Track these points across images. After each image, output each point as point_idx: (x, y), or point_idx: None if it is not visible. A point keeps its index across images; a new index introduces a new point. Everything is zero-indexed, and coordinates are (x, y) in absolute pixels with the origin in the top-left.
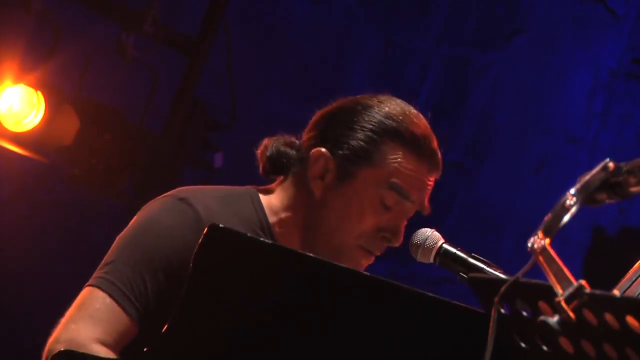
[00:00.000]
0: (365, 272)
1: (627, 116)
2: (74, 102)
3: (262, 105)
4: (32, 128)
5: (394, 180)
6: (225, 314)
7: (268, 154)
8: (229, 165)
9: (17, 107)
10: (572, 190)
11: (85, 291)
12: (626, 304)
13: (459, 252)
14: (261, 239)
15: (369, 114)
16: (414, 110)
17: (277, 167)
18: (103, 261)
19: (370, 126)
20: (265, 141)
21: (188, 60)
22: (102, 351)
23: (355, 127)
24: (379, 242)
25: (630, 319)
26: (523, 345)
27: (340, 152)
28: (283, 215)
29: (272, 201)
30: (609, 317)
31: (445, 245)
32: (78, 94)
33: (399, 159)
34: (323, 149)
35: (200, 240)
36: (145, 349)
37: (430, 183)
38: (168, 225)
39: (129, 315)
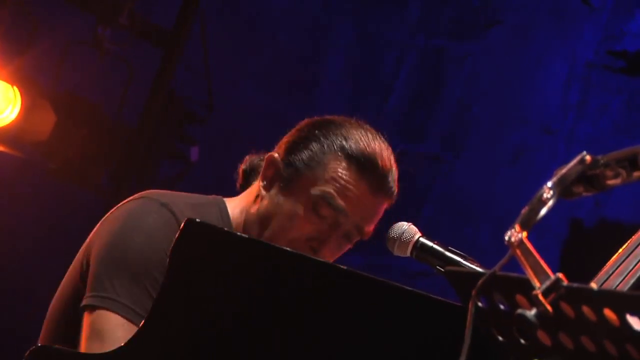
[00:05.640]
0: (342, 266)
1: (603, 107)
2: (50, 96)
3: (239, 97)
4: (9, 123)
5: (328, 189)
6: (202, 307)
7: (244, 167)
8: (205, 158)
9: None
10: (549, 183)
11: (102, 316)
12: (603, 296)
13: (435, 246)
14: (238, 233)
15: (329, 128)
16: (380, 138)
17: (248, 180)
18: (102, 272)
19: (324, 139)
20: (247, 157)
21: (164, 53)
22: None
23: (312, 138)
24: (307, 252)
25: (607, 312)
26: (501, 338)
27: (290, 159)
28: (242, 223)
29: (235, 210)
30: (586, 310)
31: (422, 239)
32: (54, 88)
33: (339, 171)
34: (276, 155)
35: (177, 235)
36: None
37: (373, 205)
38: (159, 234)
39: None
